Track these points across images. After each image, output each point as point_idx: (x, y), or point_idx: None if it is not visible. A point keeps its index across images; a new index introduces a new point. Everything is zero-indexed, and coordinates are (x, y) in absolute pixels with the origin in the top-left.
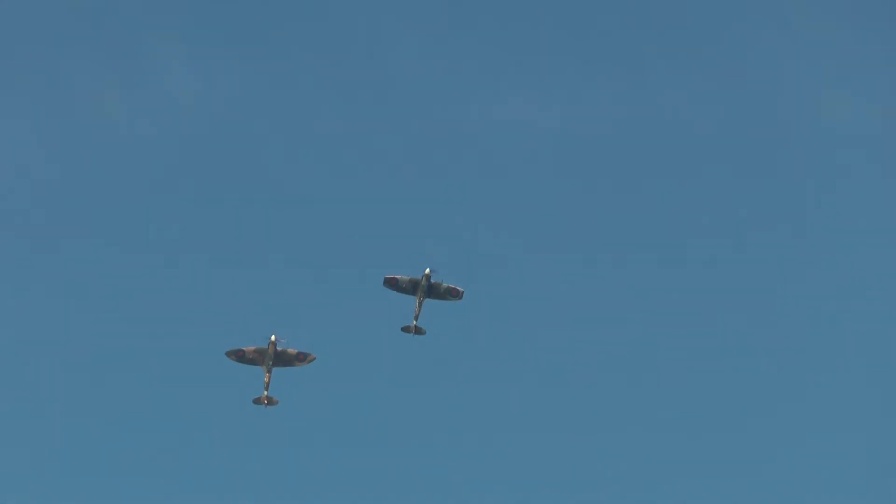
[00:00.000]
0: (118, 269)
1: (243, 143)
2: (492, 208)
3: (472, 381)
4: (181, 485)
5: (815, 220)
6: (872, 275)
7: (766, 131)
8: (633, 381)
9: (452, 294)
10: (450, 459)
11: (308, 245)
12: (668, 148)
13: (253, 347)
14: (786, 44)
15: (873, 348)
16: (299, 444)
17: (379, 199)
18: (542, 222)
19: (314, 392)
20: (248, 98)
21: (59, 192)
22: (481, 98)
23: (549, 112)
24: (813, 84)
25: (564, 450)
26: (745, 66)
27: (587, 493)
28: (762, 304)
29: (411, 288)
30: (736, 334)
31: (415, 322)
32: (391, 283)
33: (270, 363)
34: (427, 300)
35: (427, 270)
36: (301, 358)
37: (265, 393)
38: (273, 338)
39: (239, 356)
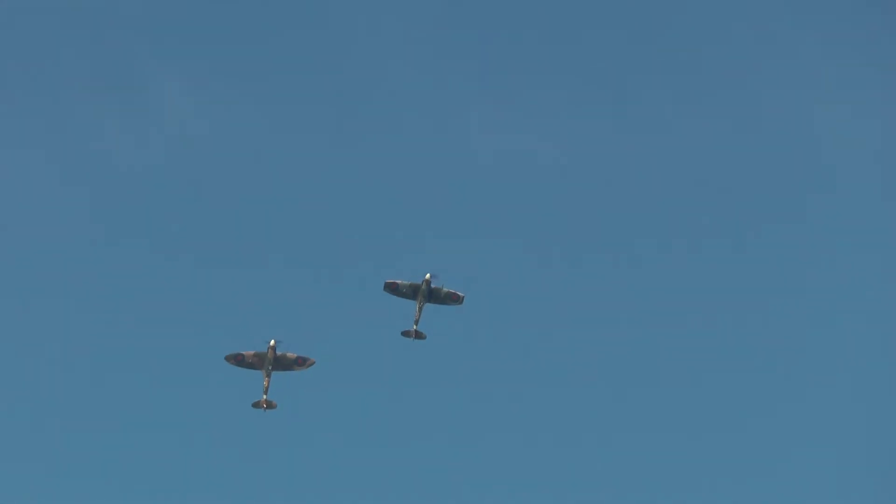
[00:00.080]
0: (117, 271)
1: (243, 169)
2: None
3: (473, 386)
4: (180, 488)
5: (810, 236)
6: (862, 288)
7: (760, 154)
8: (634, 382)
9: (453, 299)
10: (450, 464)
11: (308, 249)
12: (661, 170)
13: (252, 352)
14: (780, 67)
15: (862, 365)
16: (298, 448)
17: (376, 214)
18: (541, 233)
19: (314, 396)
20: (247, 126)
21: (62, 218)
22: (479, 126)
23: (545, 140)
24: (808, 104)
25: (565, 452)
26: (741, 95)
27: (588, 495)
28: (760, 308)
29: (412, 293)
30: (735, 338)
31: (415, 327)
32: (391, 288)
33: (270, 367)
34: (427, 304)
35: (427, 275)
36: (300, 362)
37: (264, 397)
38: (272, 342)
39: (238, 360)
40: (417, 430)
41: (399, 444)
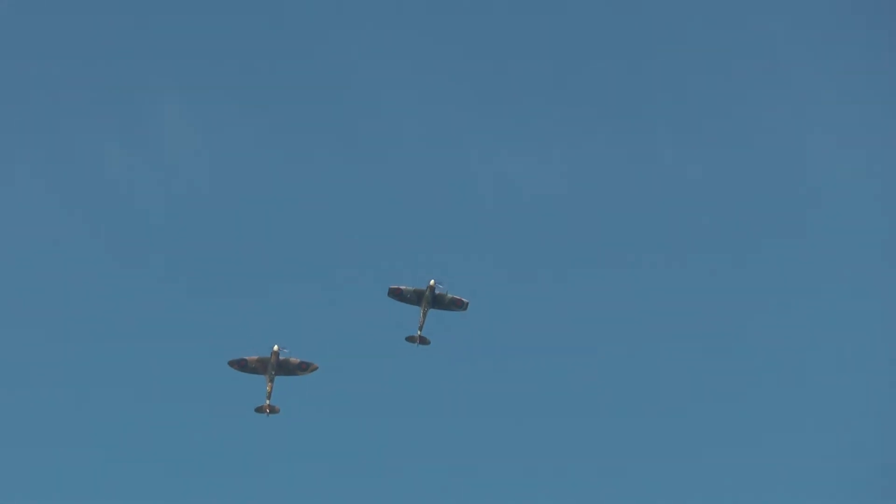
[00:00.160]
0: (120, 281)
1: (244, 198)
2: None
3: (476, 391)
4: (183, 492)
5: (808, 267)
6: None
7: (759, 186)
8: (638, 389)
9: (457, 305)
10: (452, 469)
11: (310, 263)
12: (665, 201)
13: (255, 357)
14: (782, 99)
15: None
16: (301, 452)
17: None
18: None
19: (316, 401)
20: (249, 154)
21: (63, 240)
22: (480, 153)
23: (547, 167)
24: (811, 140)
25: (568, 457)
26: (743, 123)
27: (591, 497)
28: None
29: (416, 298)
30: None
31: (419, 332)
32: (396, 294)
33: (273, 372)
34: (432, 310)
35: (431, 282)
36: (303, 367)
37: (267, 402)
38: (276, 347)
39: (241, 365)
40: (421, 435)
41: (402, 449)
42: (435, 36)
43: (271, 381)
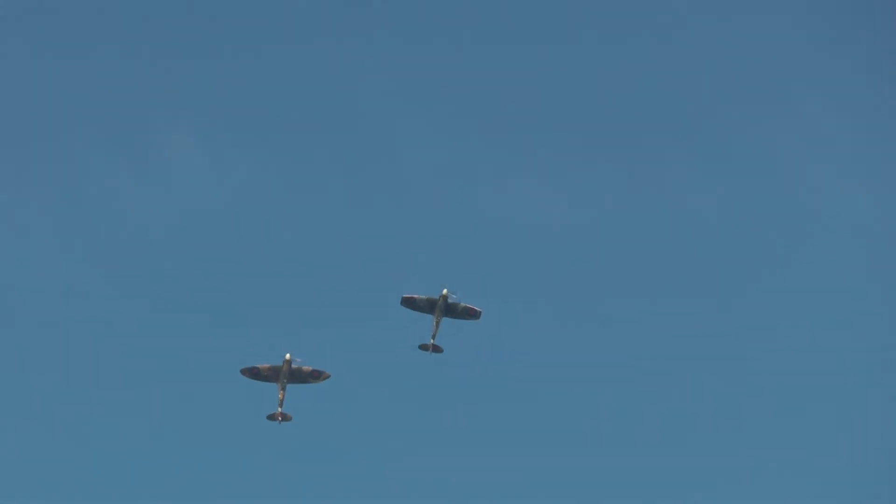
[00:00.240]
0: (130, 312)
1: (254, 227)
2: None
3: (489, 400)
4: (194, 499)
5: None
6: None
7: (768, 215)
8: (648, 394)
9: (470, 314)
10: (465, 478)
11: (321, 282)
12: (671, 230)
13: (267, 365)
14: (789, 129)
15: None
16: (313, 460)
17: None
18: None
19: (329, 408)
20: (258, 184)
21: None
22: (490, 182)
23: (556, 195)
24: (818, 170)
25: (581, 468)
26: (749, 151)
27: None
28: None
29: (429, 307)
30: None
31: (432, 340)
32: (409, 302)
33: (285, 381)
34: (445, 318)
35: (444, 291)
36: (315, 375)
37: (279, 409)
38: (288, 356)
39: (253, 373)
40: (433, 444)
41: (414, 457)
42: (445, 66)
43: (283, 389)
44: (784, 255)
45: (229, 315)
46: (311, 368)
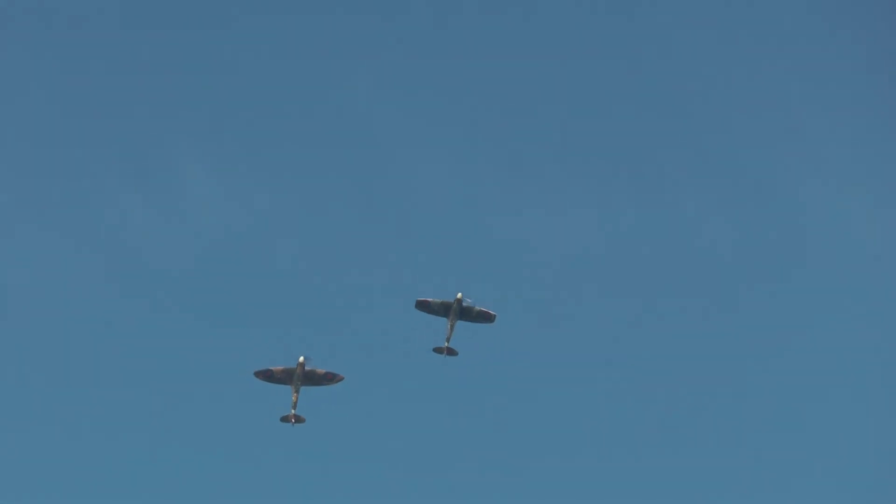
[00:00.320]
0: (143, 337)
1: (268, 257)
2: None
3: (504, 402)
4: (207, 501)
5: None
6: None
7: (784, 243)
8: (656, 394)
9: (485, 317)
10: (479, 480)
11: (333, 308)
12: (685, 258)
13: (281, 367)
14: (803, 154)
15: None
16: (326, 462)
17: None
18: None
19: (343, 411)
20: (270, 210)
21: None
22: (501, 212)
23: (566, 224)
24: (831, 194)
25: (594, 470)
26: (763, 180)
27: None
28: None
29: (443, 311)
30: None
31: (447, 343)
32: (423, 306)
33: (299, 383)
34: (460, 322)
35: (459, 294)
36: (329, 378)
37: (293, 411)
38: (301, 359)
39: (267, 376)
40: (447, 447)
41: (428, 460)
42: (455, 95)
43: (297, 391)
44: (785, 269)
45: (245, 319)
46: (324, 371)
